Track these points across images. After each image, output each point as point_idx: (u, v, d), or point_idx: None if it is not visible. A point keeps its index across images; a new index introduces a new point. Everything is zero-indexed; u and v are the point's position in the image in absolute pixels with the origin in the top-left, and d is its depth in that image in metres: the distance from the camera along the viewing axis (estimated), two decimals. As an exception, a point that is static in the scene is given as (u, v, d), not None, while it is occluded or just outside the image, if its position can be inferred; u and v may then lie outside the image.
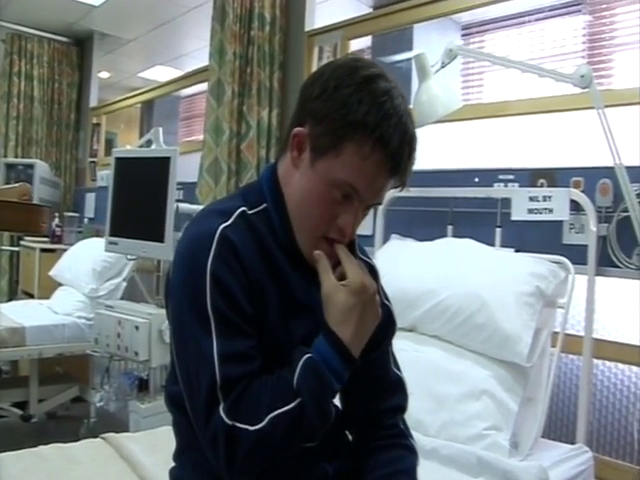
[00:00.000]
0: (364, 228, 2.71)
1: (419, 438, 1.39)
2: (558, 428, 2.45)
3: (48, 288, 4.37)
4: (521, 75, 3.90)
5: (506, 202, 2.36)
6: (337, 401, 1.29)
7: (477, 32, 4.68)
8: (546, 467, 1.72)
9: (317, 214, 1.09)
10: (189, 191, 3.78)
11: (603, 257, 2.15)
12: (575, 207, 2.18)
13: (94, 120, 6.05)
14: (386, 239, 2.68)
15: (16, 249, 5.22)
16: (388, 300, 1.32)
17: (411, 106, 2.31)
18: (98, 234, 4.75)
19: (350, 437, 1.31)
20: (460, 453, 1.76)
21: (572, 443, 2.06)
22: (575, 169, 2.27)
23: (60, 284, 4.31)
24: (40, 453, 1.81)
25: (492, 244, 2.36)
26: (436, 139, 2.96)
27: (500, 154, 3.29)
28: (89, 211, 5.53)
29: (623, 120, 2.17)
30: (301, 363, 1.03)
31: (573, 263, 2.13)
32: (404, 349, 1.89)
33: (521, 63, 2.25)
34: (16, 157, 5.67)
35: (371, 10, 4.58)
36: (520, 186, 2.39)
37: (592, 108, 2.06)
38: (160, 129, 3.69)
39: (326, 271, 1.10)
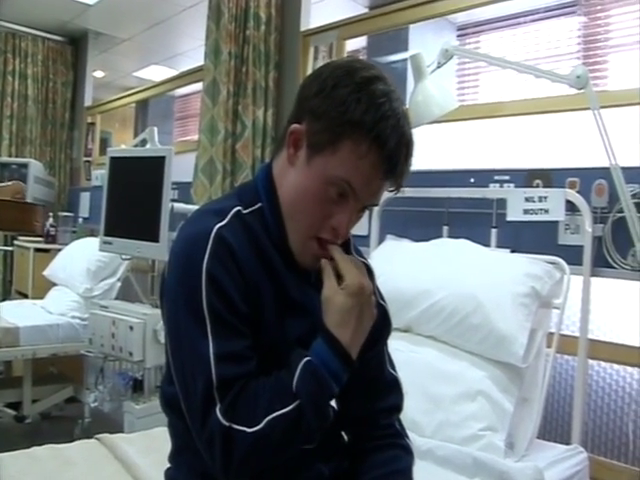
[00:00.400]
0: (359, 228, 2.71)
1: (415, 439, 1.39)
2: (553, 429, 2.45)
3: (42, 288, 4.36)
4: (516, 76, 3.91)
5: (502, 202, 2.36)
6: (333, 401, 1.29)
7: (473, 33, 4.69)
8: (541, 468, 1.72)
9: (311, 212, 1.09)
10: (184, 191, 3.77)
11: (598, 258, 2.15)
12: (570, 208, 2.19)
13: (89, 119, 6.03)
14: (381, 239, 2.68)
15: (10, 249, 5.20)
16: (384, 300, 1.32)
17: (406, 106, 2.32)
18: (92, 234, 4.74)
19: (346, 437, 1.30)
20: (456, 454, 1.76)
21: (567, 444, 2.06)
22: (571, 170, 2.27)
23: (54, 284, 4.29)
24: (34, 454, 1.81)
25: (488, 245, 2.36)
26: (432, 139, 2.95)
27: (496, 155, 3.30)
28: (83, 211, 5.51)
29: (618, 121, 2.17)
30: (300, 366, 1.03)
31: (568, 264, 2.13)
32: (400, 349, 1.89)
33: (517, 64, 2.25)
34: (10, 156, 5.64)
35: (367, 10, 4.58)
36: (516, 186, 2.39)
37: (587, 109, 2.06)
38: (155, 128, 3.68)
39: (329, 277, 1.09)
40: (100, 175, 4.65)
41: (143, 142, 3.76)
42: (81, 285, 3.96)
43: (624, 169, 2.02)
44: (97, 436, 1.97)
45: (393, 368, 1.32)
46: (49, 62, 6.00)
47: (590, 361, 2.25)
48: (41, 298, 4.25)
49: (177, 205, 2.94)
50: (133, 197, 3.08)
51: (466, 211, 2.51)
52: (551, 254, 2.19)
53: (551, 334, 2.10)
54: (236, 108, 3.50)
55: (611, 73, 3.81)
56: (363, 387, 1.26)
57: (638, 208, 2.02)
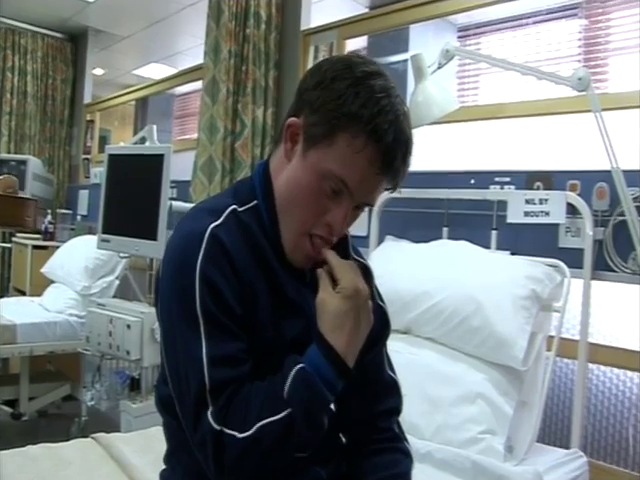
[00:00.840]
0: (358, 229, 2.72)
1: (413, 441, 1.38)
2: (552, 432, 2.44)
3: (40, 285, 4.34)
4: (516, 78, 3.90)
5: (502, 204, 2.35)
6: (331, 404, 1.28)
7: (473, 34, 4.68)
8: (541, 472, 1.72)
9: (304, 207, 1.07)
10: (183, 189, 3.76)
11: (599, 261, 2.14)
12: (571, 210, 2.18)
13: (88, 117, 6.02)
14: (381, 240, 2.67)
15: (8, 245, 5.18)
16: (383, 301, 1.31)
17: (407, 106, 2.30)
18: (91, 231, 4.72)
19: (344, 440, 1.29)
20: (455, 457, 1.75)
21: (567, 448, 2.06)
22: (572, 172, 2.26)
23: (52, 281, 4.27)
24: (29, 453, 1.79)
25: (488, 246, 2.35)
26: (432, 140, 2.94)
27: (496, 156, 3.29)
28: (82, 208, 5.50)
29: (620, 124, 2.16)
30: (293, 373, 1.00)
31: (569, 267, 2.12)
32: (398, 351, 1.88)
33: (519, 65, 2.24)
34: (9, 153, 5.62)
35: (367, 10, 4.57)
36: (516, 188, 2.38)
37: (588, 111, 2.05)
38: (154, 127, 3.66)
39: (324, 281, 1.08)
40: (99, 173, 4.64)
41: (142, 140, 3.74)
42: (79, 283, 3.95)
43: (625, 172, 2.00)
44: (93, 435, 1.95)
45: (392, 370, 1.31)
46: (49, 59, 5.99)
47: (590, 365, 2.24)
48: (39, 295, 4.24)
49: (176, 203, 2.93)
50: (131, 195, 3.07)
51: (466, 212, 2.50)
52: (551, 257, 2.18)
53: (551, 337, 2.09)
54: (236, 107, 3.49)
55: (612, 76, 3.81)
56: (362, 389, 1.24)
57: (639, 211, 2.01)
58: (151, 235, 2.83)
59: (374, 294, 1.29)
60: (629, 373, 2.30)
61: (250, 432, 0.96)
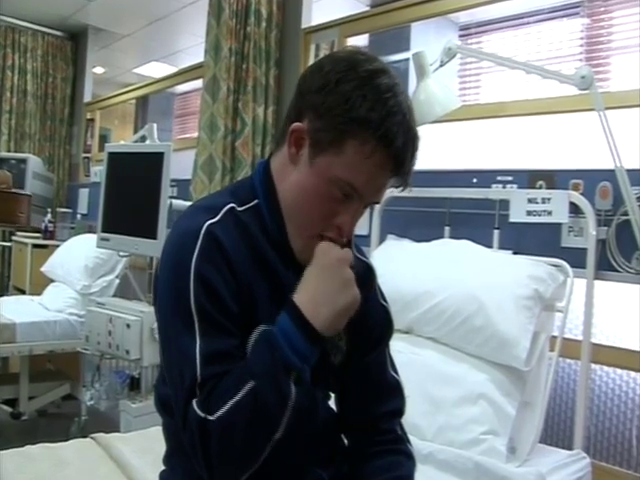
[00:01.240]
0: (360, 228, 2.70)
1: (415, 442, 1.36)
2: (555, 433, 2.43)
3: (40, 284, 4.33)
4: (517, 77, 3.89)
5: (504, 203, 2.34)
6: (332, 404, 1.27)
7: (475, 33, 4.68)
8: (544, 473, 1.70)
9: (314, 212, 1.06)
10: (183, 188, 3.75)
11: (602, 261, 2.13)
12: (574, 210, 2.17)
13: (88, 115, 6.01)
14: (382, 239, 2.66)
15: (8, 244, 5.18)
16: (385, 301, 1.30)
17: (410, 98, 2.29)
18: (91, 230, 4.71)
19: (345, 442, 1.27)
20: (457, 458, 1.73)
21: (569, 449, 2.04)
22: (574, 171, 2.25)
23: (52, 280, 4.27)
24: (28, 453, 1.78)
25: (490, 246, 2.34)
26: (434, 139, 2.92)
27: (499, 155, 3.27)
28: (82, 207, 5.49)
29: (622, 123, 2.14)
30: (255, 334, 1.00)
31: (572, 266, 2.11)
32: (400, 351, 1.84)
33: (522, 63, 2.23)
34: (9, 151, 5.62)
35: (368, 8, 4.55)
36: (519, 187, 2.37)
37: (591, 110, 2.03)
38: (154, 125, 3.65)
39: None
40: (99, 171, 4.62)
41: (142, 139, 3.74)
42: (79, 282, 3.94)
43: (629, 171, 1.99)
44: (92, 435, 1.94)
45: (395, 371, 1.29)
46: (49, 57, 5.98)
47: (593, 365, 2.23)
48: (39, 294, 4.23)
49: (176, 202, 2.92)
50: (131, 193, 3.06)
51: (468, 212, 2.49)
52: (554, 256, 2.16)
53: (554, 337, 2.08)
54: (236, 105, 3.47)
55: (613, 75, 3.80)
56: (364, 390, 1.24)
57: (643, 211, 2.00)
58: (151, 234, 2.82)
59: (377, 293, 1.28)
60: (632, 374, 2.29)
61: (222, 411, 0.93)
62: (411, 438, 1.29)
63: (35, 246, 4.65)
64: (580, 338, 2.11)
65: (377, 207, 2.67)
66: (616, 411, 2.32)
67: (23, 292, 4.60)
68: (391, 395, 1.27)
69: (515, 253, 2.30)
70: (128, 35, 6.06)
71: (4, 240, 5.36)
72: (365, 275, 1.22)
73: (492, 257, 2.23)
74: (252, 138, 3.40)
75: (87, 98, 6.12)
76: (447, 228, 2.53)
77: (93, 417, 3.70)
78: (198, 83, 4.00)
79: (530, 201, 2.24)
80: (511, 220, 2.29)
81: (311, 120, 1.05)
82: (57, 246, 4.50)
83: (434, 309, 2.07)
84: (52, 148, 6.03)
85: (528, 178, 2.36)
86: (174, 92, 7.71)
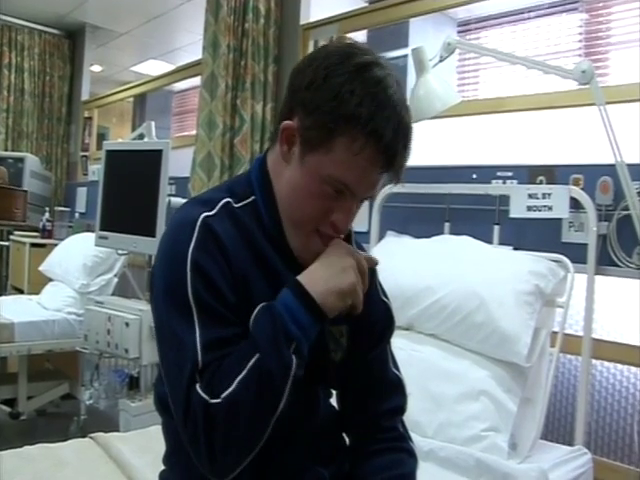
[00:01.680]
0: (359, 224, 2.69)
1: (416, 439, 1.35)
2: (556, 429, 2.42)
3: (38, 283, 4.32)
4: (516, 72, 3.89)
5: (504, 199, 2.33)
6: (334, 402, 1.26)
7: (473, 29, 4.66)
8: (546, 469, 1.69)
9: (309, 210, 1.05)
10: (181, 186, 3.74)
11: (603, 256, 2.12)
12: (575, 205, 2.15)
13: (86, 114, 6.00)
14: (382, 236, 2.65)
15: (6, 244, 5.16)
16: (387, 297, 1.29)
17: (407, 103, 2.28)
18: (89, 229, 4.69)
19: (347, 440, 1.27)
20: (458, 455, 1.73)
21: (570, 444, 2.04)
22: (575, 166, 2.24)
23: (50, 279, 4.25)
24: (27, 453, 1.77)
25: (490, 242, 2.33)
26: (433, 135, 2.92)
27: (499, 151, 3.26)
28: (80, 206, 5.48)
29: (622, 117, 2.13)
30: (256, 310, 1.01)
31: (572, 262, 2.10)
32: (401, 348, 1.84)
33: (522, 58, 2.22)
34: (6, 150, 5.60)
35: (367, 4, 4.54)
36: (519, 183, 2.36)
37: (591, 105, 2.02)
38: (152, 123, 3.65)
39: None
40: (97, 170, 4.61)
41: (140, 137, 3.73)
42: (77, 281, 3.92)
43: (630, 166, 1.99)
44: (91, 435, 1.93)
45: (397, 368, 1.29)
46: (46, 56, 5.97)
47: (593, 361, 2.22)
48: (37, 293, 4.22)
49: (174, 200, 2.90)
50: (130, 191, 3.05)
51: (468, 207, 2.48)
52: (555, 252, 2.15)
53: (554, 333, 2.07)
54: (235, 102, 3.46)
55: (612, 70, 3.79)
56: (365, 387, 1.23)
57: (644, 206, 1.99)
58: (149, 232, 2.81)
59: (378, 290, 1.27)
60: (633, 369, 2.28)
61: (229, 391, 0.93)
62: (412, 435, 1.28)
63: (33, 245, 4.63)
64: (581, 334, 2.11)
65: (376, 203, 2.67)
66: (617, 406, 2.31)
67: (21, 291, 4.58)
68: (393, 392, 1.26)
69: (515, 249, 2.29)
70: (125, 33, 6.04)
71: (1, 239, 5.35)
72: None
73: (492, 253, 2.23)
74: (251, 135, 3.39)
75: (85, 96, 6.10)
76: (447, 224, 2.52)
77: (92, 416, 3.69)
78: (196, 81, 3.99)
79: (530, 196, 2.23)
80: (511, 216, 2.28)
81: (301, 117, 1.04)
82: (55, 245, 4.48)
83: (435, 305, 2.06)
84: (50, 147, 6.01)
85: (528, 173, 2.35)
86: (172, 90, 7.69)
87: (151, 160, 2.86)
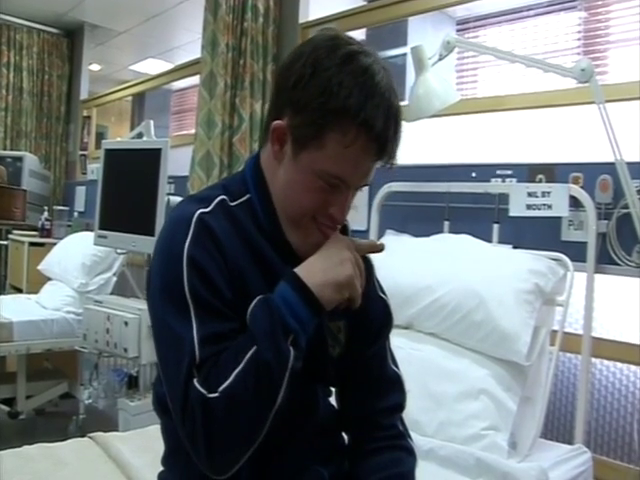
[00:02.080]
0: (358, 223, 2.69)
1: (416, 438, 1.35)
2: (555, 428, 2.41)
3: (37, 282, 4.31)
4: (515, 70, 3.89)
5: (504, 197, 2.33)
6: (333, 400, 1.26)
7: (473, 27, 4.66)
8: (545, 468, 1.69)
9: (305, 203, 1.06)
10: (180, 185, 3.74)
11: (602, 254, 2.11)
12: (574, 203, 2.15)
13: (84, 113, 5.99)
14: (381, 235, 2.65)
15: (4, 243, 5.16)
16: (384, 293, 1.29)
17: (407, 102, 2.28)
18: (88, 228, 4.69)
19: (346, 438, 1.26)
20: (458, 454, 1.72)
21: (570, 443, 2.04)
22: (574, 165, 2.23)
23: (49, 278, 4.24)
24: (25, 453, 1.76)
25: (489, 240, 2.33)
26: (433, 133, 2.92)
27: (498, 149, 3.26)
28: (79, 205, 5.47)
29: (621, 115, 2.13)
30: (252, 304, 1.00)
31: (572, 260, 2.10)
32: (400, 347, 1.83)
33: (522, 57, 2.21)
34: (5, 149, 5.61)
35: (365, 3, 4.54)
36: (518, 181, 2.35)
37: (590, 103, 2.02)
38: (151, 122, 3.64)
39: None
40: (96, 169, 4.61)
41: (139, 135, 3.72)
42: (76, 280, 3.91)
43: (629, 164, 1.98)
44: (90, 434, 1.92)
45: (396, 365, 1.29)
46: (44, 55, 5.97)
47: (593, 359, 2.21)
48: (36, 293, 4.21)
49: (173, 199, 2.90)
50: (128, 190, 3.05)
51: (467, 206, 2.47)
52: (554, 250, 2.15)
53: (554, 332, 2.07)
54: (233, 101, 3.46)
55: (611, 68, 3.79)
56: (364, 384, 1.23)
57: (643, 204, 1.99)
58: (148, 231, 2.81)
59: (375, 286, 1.27)
60: (633, 367, 2.27)
61: (226, 385, 0.92)
62: (412, 434, 1.28)
63: (32, 244, 4.63)
64: (580, 332, 2.10)
65: (375, 202, 2.67)
66: (617, 405, 2.31)
67: (20, 291, 4.58)
68: (391, 390, 1.26)
69: (515, 247, 2.29)
70: (124, 32, 6.04)
71: (0, 238, 5.34)
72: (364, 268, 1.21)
73: (492, 251, 2.22)
74: (250, 134, 3.39)
75: (83, 95, 6.10)
76: (446, 223, 2.52)
77: (91, 416, 3.69)
78: (195, 79, 3.98)
79: (530, 195, 2.22)
80: (511, 214, 2.27)
81: (291, 116, 1.04)
82: (54, 244, 4.47)
83: (434, 304, 2.06)
84: (48, 146, 6.01)
85: (528, 172, 2.34)
86: (171, 89, 7.69)
87: (150, 159, 2.85)
